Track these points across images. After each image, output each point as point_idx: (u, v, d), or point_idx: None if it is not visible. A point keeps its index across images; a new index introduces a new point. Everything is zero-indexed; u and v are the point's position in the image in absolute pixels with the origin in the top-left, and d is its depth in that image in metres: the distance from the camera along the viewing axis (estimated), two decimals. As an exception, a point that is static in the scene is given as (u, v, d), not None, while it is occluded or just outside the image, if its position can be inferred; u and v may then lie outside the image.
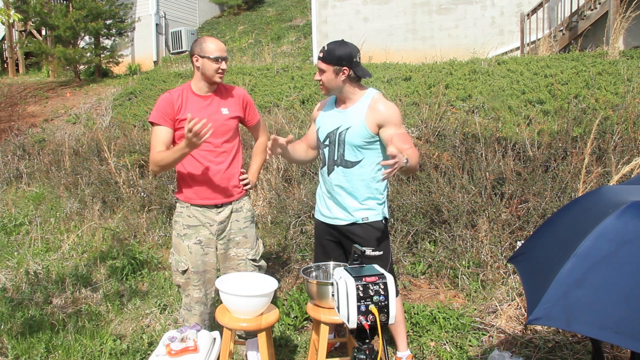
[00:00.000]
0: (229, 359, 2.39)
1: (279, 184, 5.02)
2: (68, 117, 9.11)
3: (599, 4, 8.14)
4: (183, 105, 2.56)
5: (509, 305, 3.21)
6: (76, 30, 11.17)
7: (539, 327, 2.99)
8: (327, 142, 2.59)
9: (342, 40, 2.52)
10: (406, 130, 2.81)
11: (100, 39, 12.03)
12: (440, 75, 6.76)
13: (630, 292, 1.44)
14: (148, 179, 5.66)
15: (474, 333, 3.07)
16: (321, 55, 2.48)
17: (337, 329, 3.12)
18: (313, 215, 2.97)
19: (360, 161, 2.51)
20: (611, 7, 7.61)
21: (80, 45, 11.94)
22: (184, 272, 2.64)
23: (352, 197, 2.55)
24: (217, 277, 2.51)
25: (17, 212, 5.82)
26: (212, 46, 2.55)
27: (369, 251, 2.40)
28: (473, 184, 4.09)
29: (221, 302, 2.34)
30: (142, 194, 5.44)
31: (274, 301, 2.87)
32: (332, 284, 2.10)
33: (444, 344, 2.98)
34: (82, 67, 12.31)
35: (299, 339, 3.18)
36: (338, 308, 1.82)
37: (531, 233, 2.62)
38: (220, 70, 2.57)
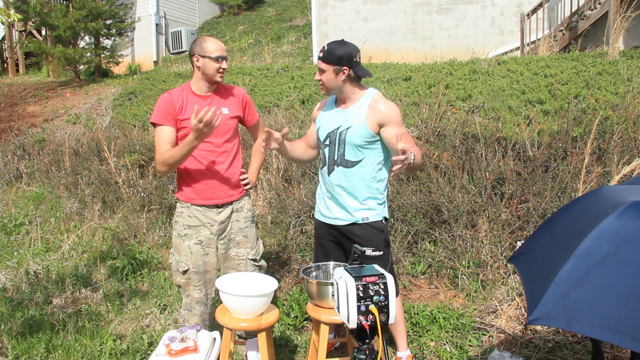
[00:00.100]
0: (229, 359, 2.39)
1: (279, 184, 5.02)
2: (68, 117, 9.11)
3: (599, 4, 8.14)
4: (184, 105, 2.56)
5: (509, 305, 3.21)
6: (76, 30, 11.17)
7: (539, 327, 2.99)
8: (327, 142, 2.59)
9: (342, 40, 2.52)
10: (406, 129, 2.81)
11: (100, 39, 12.03)
12: (440, 75, 6.76)
13: (630, 292, 1.44)
14: (148, 179, 5.66)
15: (474, 333, 3.07)
16: (321, 55, 2.48)
17: (337, 329, 3.12)
18: (313, 215, 2.97)
19: (360, 161, 2.51)
20: (611, 7, 7.61)
21: (80, 45, 11.94)
22: (185, 272, 2.64)
23: (353, 197, 2.55)
24: (218, 277, 2.51)
25: (17, 212, 5.82)
26: (213, 46, 2.55)
27: (369, 251, 2.40)
28: (473, 184, 4.09)
29: (221, 302, 2.34)
30: (142, 194, 5.44)
31: (274, 301, 2.87)
32: (332, 284, 2.10)
33: (444, 344, 2.98)
34: (82, 67, 12.31)
35: (299, 339, 3.18)
36: (338, 308, 1.82)
37: (531, 233, 2.62)
38: (221, 70, 2.57)
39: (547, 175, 4.02)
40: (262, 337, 2.30)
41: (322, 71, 2.49)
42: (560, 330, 2.91)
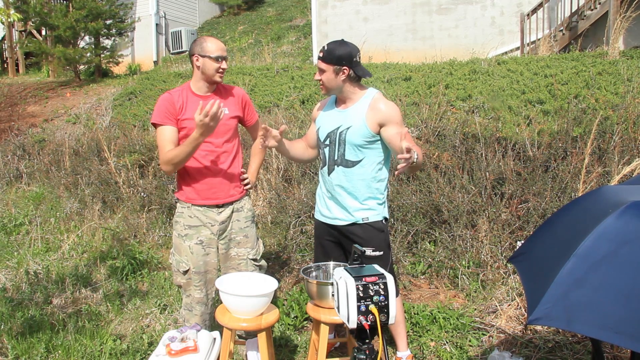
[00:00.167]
0: (229, 359, 2.39)
1: (279, 184, 5.02)
2: (68, 117, 9.11)
3: (599, 4, 8.14)
4: (184, 105, 2.56)
5: (509, 305, 3.21)
6: (76, 30, 11.17)
7: (539, 327, 2.99)
8: (327, 142, 2.59)
9: (342, 40, 2.52)
10: (407, 129, 2.81)
11: (100, 39, 12.04)
12: (440, 75, 6.76)
13: (630, 292, 1.44)
14: (148, 179, 5.66)
15: (474, 333, 3.07)
16: (321, 55, 2.48)
17: (337, 329, 3.12)
18: (313, 215, 2.97)
19: (360, 161, 2.51)
20: (611, 7, 7.61)
21: (80, 45, 11.94)
22: (185, 272, 2.63)
23: (353, 197, 2.55)
24: (218, 277, 2.51)
25: (17, 212, 5.82)
26: (213, 45, 2.55)
27: (369, 251, 2.40)
28: (473, 184, 4.09)
29: (221, 302, 2.34)
30: (142, 194, 5.44)
31: (274, 301, 2.87)
32: (332, 284, 2.10)
33: (444, 344, 2.98)
34: (82, 67, 12.31)
35: (299, 339, 3.18)
36: (338, 308, 1.82)
37: (531, 233, 2.62)
38: (220, 70, 2.57)
39: (547, 175, 4.02)
40: (262, 337, 2.30)
41: (322, 71, 2.49)
42: (560, 330, 2.91)
